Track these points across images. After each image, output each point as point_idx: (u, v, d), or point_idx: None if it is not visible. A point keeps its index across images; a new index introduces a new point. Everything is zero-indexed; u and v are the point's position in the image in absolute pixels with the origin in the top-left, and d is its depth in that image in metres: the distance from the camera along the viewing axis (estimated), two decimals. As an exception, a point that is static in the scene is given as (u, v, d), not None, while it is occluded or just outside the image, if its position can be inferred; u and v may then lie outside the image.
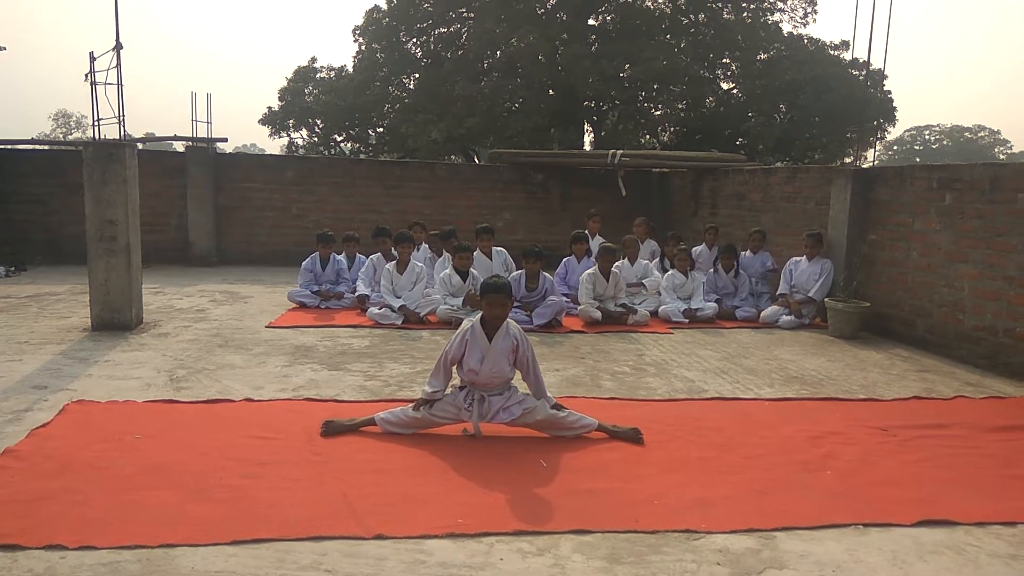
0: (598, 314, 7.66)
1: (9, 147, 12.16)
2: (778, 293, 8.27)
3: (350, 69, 24.04)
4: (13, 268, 10.34)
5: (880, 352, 6.84)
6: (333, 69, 24.54)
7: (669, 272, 8.54)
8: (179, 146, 14.67)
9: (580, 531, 3.13)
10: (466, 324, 4.23)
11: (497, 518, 3.22)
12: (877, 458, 4.08)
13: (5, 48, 14.61)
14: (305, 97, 23.86)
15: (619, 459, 3.97)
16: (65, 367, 5.50)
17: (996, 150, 65.83)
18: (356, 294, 8.23)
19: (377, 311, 7.55)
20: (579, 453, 4.04)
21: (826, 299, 7.70)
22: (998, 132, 68.03)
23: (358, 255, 8.96)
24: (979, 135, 67.70)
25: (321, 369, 5.67)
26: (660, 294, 8.41)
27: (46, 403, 4.62)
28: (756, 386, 5.56)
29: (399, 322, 7.46)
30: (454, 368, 4.29)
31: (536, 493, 3.52)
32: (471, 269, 7.88)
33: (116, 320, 6.76)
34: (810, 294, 7.94)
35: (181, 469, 3.64)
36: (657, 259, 9.43)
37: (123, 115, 6.81)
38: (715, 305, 8.20)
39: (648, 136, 24.74)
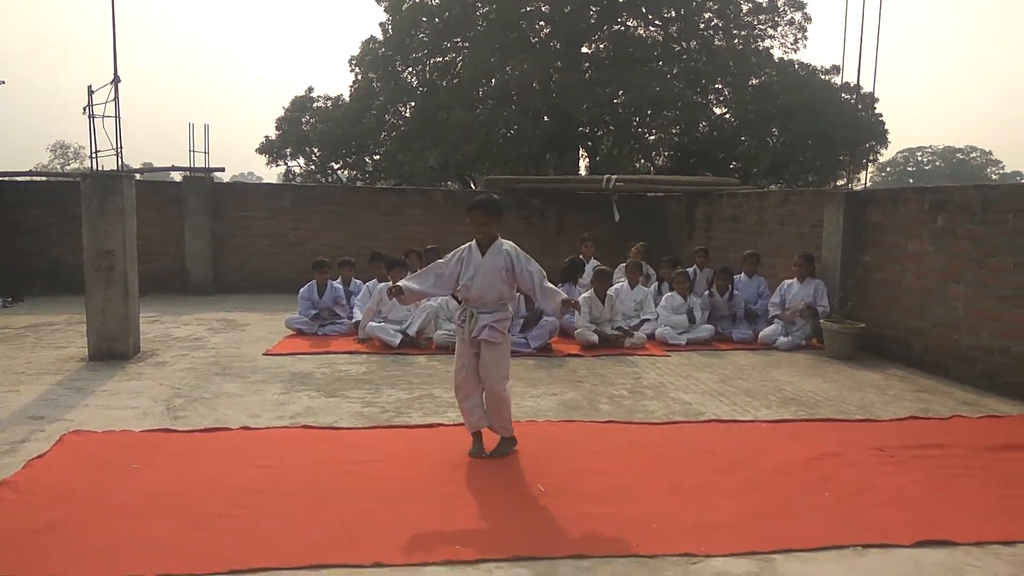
0: (595, 337, 7.68)
1: (8, 179, 12.23)
2: (771, 316, 8.30)
3: (347, 98, 24.28)
4: (11, 299, 10.34)
5: (876, 373, 6.85)
6: (330, 98, 24.80)
7: (668, 295, 8.55)
8: (177, 176, 14.74)
9: (578, 556, 3.13)
10: (463, 247, 4.48)
11: (495, 544, 3.22)
12: (875, 479, 4.08)
13: (4, 82, 14.74)
14: (302, 126, 24.07)
15: (617, 484, 3.97)
16: (62, 397, 5.49)
17: (988, 170, 66.41)
18: (353, 320, 8.26)
19: (376, 324, 7.61)
20: (577, 478, 4.03)
21: (822, 321, 7.73)
22: (990, 152, 68.85)
23: (354, 279, 8.99)
24: (971, 156, 68.33)
25: (318, 396, 5.67)
26: (657, 316, 8.43)
27: (43, 433, 4.61)
28: (753, 408, 5.56)
29: (396, 342, 7.47)
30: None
31: (534, 518, 3.52)
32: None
33: (113, 349, 6.76)
34: (817, 309, 7.94)
35: (179, 499, 3.63)
36: (655, 284, 9.45)
37: (121, 147, 6.85)
38: (711, 327, 8.22)
39: (643, 160, 24.95)
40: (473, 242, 4.40)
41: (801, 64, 23.25)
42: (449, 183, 23.87)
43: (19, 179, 12.69)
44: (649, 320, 8.42)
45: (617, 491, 3.86)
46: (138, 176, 11.08)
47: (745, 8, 22.93)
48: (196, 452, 4.33)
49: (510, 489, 3.88)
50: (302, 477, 3.95)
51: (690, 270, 9.48)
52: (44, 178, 17.34)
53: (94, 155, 7.15)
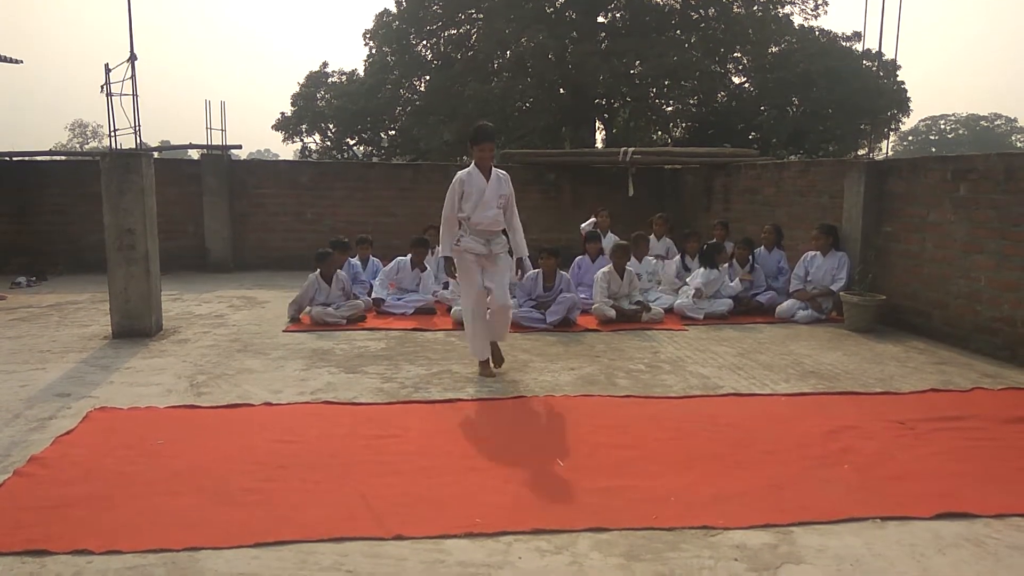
0: (612, 312, 7.67)
1: (29, 159, 12.35)
2: (791, 290, 8.23)
3: (361, 73, 24.17)
4: (34, 278, 10.49)
5: (896, 345, 6.80)
6: (344, 73, 24.70)
7: (700, 269, 8.50)
8: (194, 154, 14.82)
9: (597, 529, 3.16)
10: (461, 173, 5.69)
11: (515, 517, 3.25)
12: (894, 451, 4.07)
13: (22, 61, 14.82)
14: (317, 102, 24.02)
15: (636, 456, 3.99)
16: (87, 375, 5.59)
17: (1013, 138, 65.03)
18: (372, 296, 8.30)
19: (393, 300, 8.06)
20: (595, 452, 4.06)
21: (841, 293, 7.67)
22: (1015, 120, 67.27)
23: (371, 258, 9.02)
24: (995, 123, 66.90)
25: (338, 372, 5.72)
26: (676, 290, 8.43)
27: (70, 410, 4.70)
28: (772, 381, 5.55)
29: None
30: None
31: (553, 492, 3.55)
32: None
33: (136, 327, 6.85)
34: (831, 287, 7.91)
35: (203, 473, 3.70)
36: (677, 257, 9.39)
37: (139, 124, 6.91)
38: (729, 301, 8.17)
39: (660, 132, 24.70)
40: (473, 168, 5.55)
41: (822, 31, 22.81)
42: (465, 158, 23.77)
43: (39, 159, 12.83)
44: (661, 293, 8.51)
45: (635, 464, 3.88)
46: (156, 154, 11.12)
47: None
48: (220, 428, 4.40)
49: (529, 463, 3.91)
50: (324, 452, 4.01)
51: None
52: (64, 157, 17.49)
53: (112, 133, 7.23)
